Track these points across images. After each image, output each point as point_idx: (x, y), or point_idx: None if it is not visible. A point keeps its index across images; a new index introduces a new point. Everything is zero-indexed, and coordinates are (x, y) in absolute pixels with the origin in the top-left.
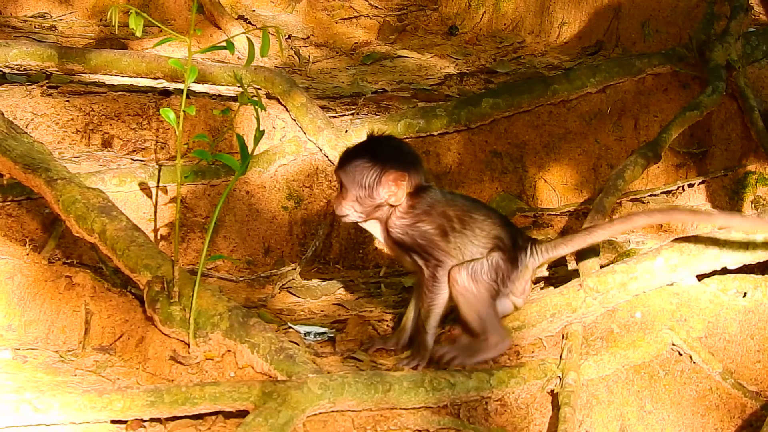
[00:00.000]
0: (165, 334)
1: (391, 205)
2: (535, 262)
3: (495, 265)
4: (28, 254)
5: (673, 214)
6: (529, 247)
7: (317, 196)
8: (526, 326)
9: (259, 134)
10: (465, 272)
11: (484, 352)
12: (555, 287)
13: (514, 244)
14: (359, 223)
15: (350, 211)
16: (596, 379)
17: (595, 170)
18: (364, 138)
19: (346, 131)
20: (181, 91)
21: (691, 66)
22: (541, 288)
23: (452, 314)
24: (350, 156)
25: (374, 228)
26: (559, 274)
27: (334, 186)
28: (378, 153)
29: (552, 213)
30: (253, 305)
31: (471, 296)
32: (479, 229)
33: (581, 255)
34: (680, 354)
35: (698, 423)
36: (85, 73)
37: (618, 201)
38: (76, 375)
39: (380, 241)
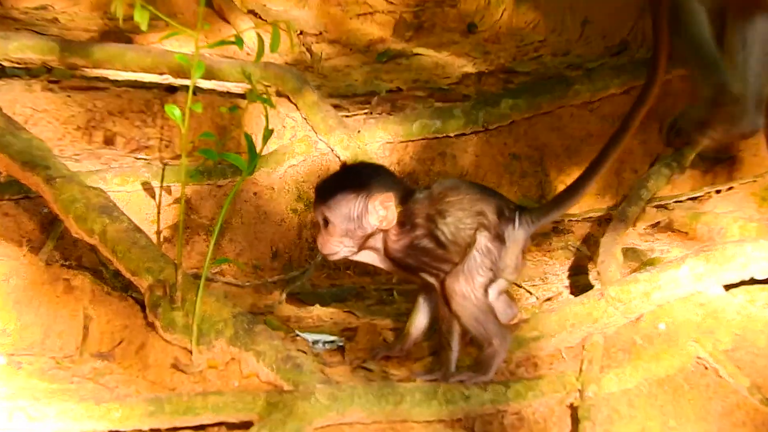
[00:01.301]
0: (166, 341)
1: (383, 230)
2: (526, 233)
3: (485, 251)
4: (24, 255)
5: None
6: (516, 218)
7: None
8: (545, 337)
9: (268, 133)
10: (461, 278)
11: (495, 357)
12: (575, 296)
13: (499, 217)
14: (350, 257)
15: (340, 248)
16: (618, 393)
17: (617, 175)
18: (372, 139)
19: (358, 131)
20: (188, 87)
21: None
22: (561, 297)
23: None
24: (330, 189)
25: (368, 257)
26: (579, 283)
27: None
28: (357, 180)
29: (573, 219)
30: (259, 312)
31: (470, 303)
32: (461, 211)
33: (603, 263)
34: (706, 367)
35: None
36: (88, 68)
37: (642, 208)
38: (73, 382)
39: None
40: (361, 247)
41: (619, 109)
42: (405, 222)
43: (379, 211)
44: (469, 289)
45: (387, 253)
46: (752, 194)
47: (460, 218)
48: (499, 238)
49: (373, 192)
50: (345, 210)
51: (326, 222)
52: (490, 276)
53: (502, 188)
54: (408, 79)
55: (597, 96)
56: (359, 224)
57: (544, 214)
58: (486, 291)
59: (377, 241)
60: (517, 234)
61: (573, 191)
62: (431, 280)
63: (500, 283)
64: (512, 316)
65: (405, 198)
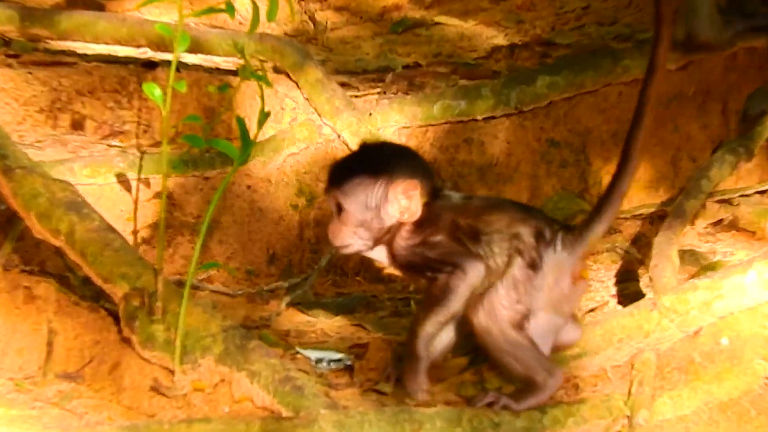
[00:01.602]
0: (145, 359)
1: (405, 224)
2: (571, 256)
3: (512, 282)
4: None
5: None
6: (559, 240)
7: None
8: (588, 354)
9: (264, 116)
10: (481, 311)
11: (535, 395)
12: (623, 306)
13: (537, 240)
14: (364, 253)
15: (353, 240)
16: (673, 419)
17: (674, 164)
18: (386, 122)
19: (370, 114)
20: (169, 62)
21: None
22: (606, 307)
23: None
24: (345, 171)
25: (380, 254)
26: (628, 290)
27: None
28: (378, 162)
29: (621, 216)
30: (253, 325)
31: (495, 339)
32: (497, 233)
33: (656, 268)
34: None
35: None
36: (53, 40)
37: (702, 204)
38: (35, 408)
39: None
40: (378, 242)
41: (675, 88)
42: (424, 221)
43: (401, 200)
44: (493, 325)
45: (393, 251)
46: None
47: (495, 240)
48: (533, 265)
49: (395, 177)
50: (362, 196)
51: (339, 209)
52: (520, 310)
53: (538, 180)
54: (428, 53)
55: None
56: (377, 214)
57: (588, 229)
58: (520, 326)
59: (391, 236)
60: (560, 258)
61: (610, 196)
62: (434, 276)
63: (547, 320)
64: (574, 339)
65: (432, 193)
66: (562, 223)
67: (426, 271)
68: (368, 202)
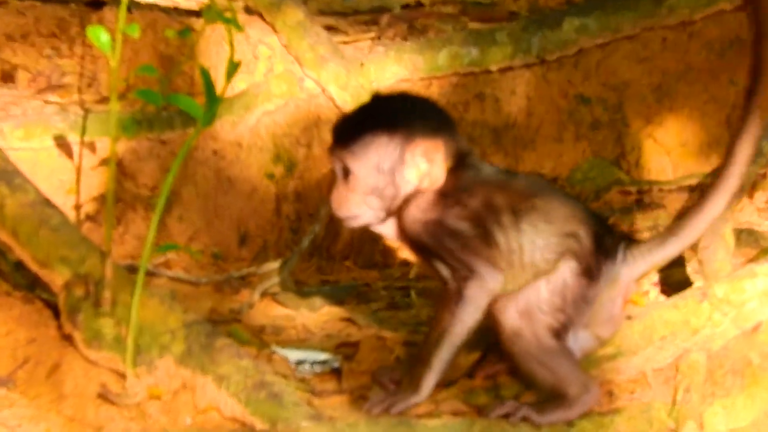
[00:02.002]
0: (90, 361)
1: (422, 191)
2: (631, 274)
3: (561, 286)
4: None
5: None
6: (620, 252)
7: (318, 159)
8: (624, 354)
9: (234, 67)
10: (513, 308)
11: (564, 409)
12: (666, 296)
13: (597, 246)
14: (374, 227)
15: (362, 210)
16: None
17: (729, 125)
18: (381, 74)
19: (362, 64)
20: (118, 1)
21: None
22: (647, 298)
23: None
24: (353, 127)
25: (390, 228)
26: (673, 278)
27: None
28: (394, 117)
29: (665, 188)
30: (221, 319)
31: (526, 343)
32: (544, 223)
33: (707, 251)
34: None
35: None
36: None
37: (762, 172)
38: None
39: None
40: (391, 214)
41: (731, 32)
42: (450, 193)
43: (421, 164)
44: (526, 327)
45: (401, 219)
46: None
47: (540, 231)
48: (589, 274)
49: (414, 136)
50: (373, 158)
51: (346, 173)
52: (561, 320)
53: (565, 145)
54: None
55: (700, 13)
56: (391, 180)
57: (659, 248)
58: (557, 334)
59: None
60: (619, 273)
61: (698, 211)
62: (445, 273)
63: (581, 338)
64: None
65: (459, 158)
66: (626, 234)
67: (435, 259)
68: (381, 164)
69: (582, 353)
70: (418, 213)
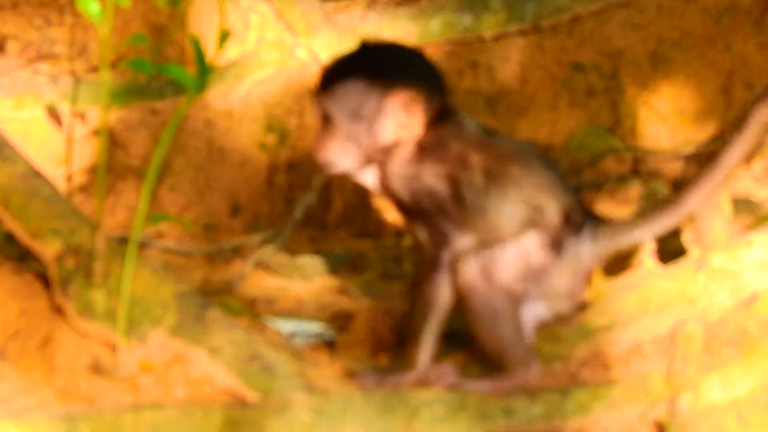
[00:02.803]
0: (82, 333)
1: (400, 144)
2: (596, 252)
3: (524, 254)
4: None
5: None
6: (589, 228)
7: (311, 129)
8: (619, 325)
9: (224, 35)
10: (474, 262)
11: (496, 380)
12: (662, 266)
13: (564, 221)
14: (354, 175)
15: (339, 157)
16: (723, 404)
17: (726, 92)
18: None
19: (354, 31)
20: None
21: None
22: (642, 268)
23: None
24: (336, 72)
25: (371, 178)
26: (668, 248)
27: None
28: (377, 65)
29: (661, 156)
30: (213, 290)
31: (482, 302)
32: (514, 190)
33: (703, 219)
34: None
35: None
36: None
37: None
38: None
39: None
40: (369, 162)
41: None
42: (427, 147)
43: (398, 114)
44: (482, 284)
45: (383, 176)
46: None
47: (509, 199)
48: (554, 248)
49: (395, 85)
50: (352, 104)
51: (326, 118)
52: (519, 287)
53: (560, 113)
54: None
55: None
56: (369, 128)
57: (629, 230)
58: (513, 301)
59: (386, 158)
60: (581, 250)
61: (678, 204)
62: (423, 235)
63: (538, 308)
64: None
65: (441, 114)
66: (595, 213)
67: (412, 215)
68: (359, 111)
69: (536, 324)
70: (397, 168)
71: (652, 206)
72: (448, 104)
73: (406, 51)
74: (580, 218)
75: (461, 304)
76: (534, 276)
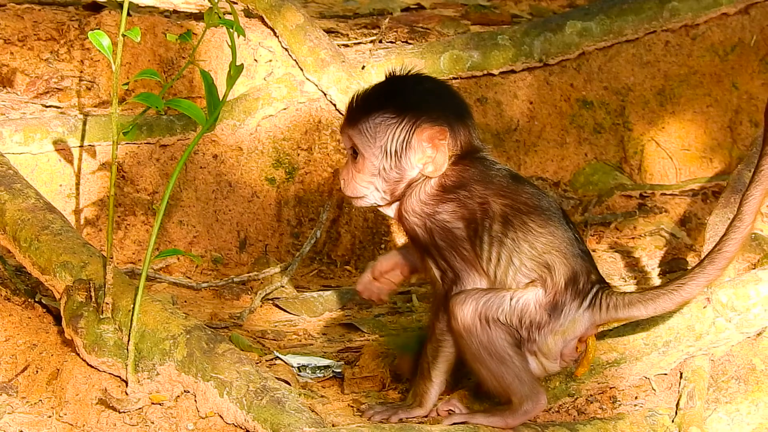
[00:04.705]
0: (92, 366)
1: (427, 177)
2: (593, 320)
3: (521, 307)
4: None
5: None
6: (591, 296)
7: (319, 164)
8: (627, 360)
9: (236, 71)
10: (471, 305)
11: (503, 416)
12: None
13: (569, 283)
14: (380, 208)
15: (368, 191)
16: None
17: (731, 129)
18: (382, 78)
19: (363, 67)
20: (118, 4)
21: None
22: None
23: None
24: (364, 106)
25: (394, 212)
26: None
27: (343, 149)
28: (404, 99)
29: (668, 192)
30: (222, 324)
31: (481, 344)
32: (528, 245)
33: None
34: None
35: None
36: None
37: None
38: None
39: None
40: (396, 197)
41: (734, 35)
42: (448, 185)
43: (427, 149)
44: (480, 329)
45: (400, 211)
46: None
47: (521, 251)
48: (553, 309)
49: (422, 120)
50: (381, 139)
51: (354, 152)
52: (517, 335)
53: (567, 149)
54: None
55: (703, 17)
56: (397, 163)
57: (628, 307)
58: (515, 340)
59: (407, 189)
60: (581, 316)
61: (688, 284)
62: (436, 273)
63: (533, 366)
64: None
65: (468, 151)
66: (603, 278)
67: (427, 255)
68: (388, 146)
69: None
70: (416, 204)
71: (653, 288)
72: (474, 141)
73: (433, 85)
74: (587, 285)
75: (460, 345)
76: (527, 331)
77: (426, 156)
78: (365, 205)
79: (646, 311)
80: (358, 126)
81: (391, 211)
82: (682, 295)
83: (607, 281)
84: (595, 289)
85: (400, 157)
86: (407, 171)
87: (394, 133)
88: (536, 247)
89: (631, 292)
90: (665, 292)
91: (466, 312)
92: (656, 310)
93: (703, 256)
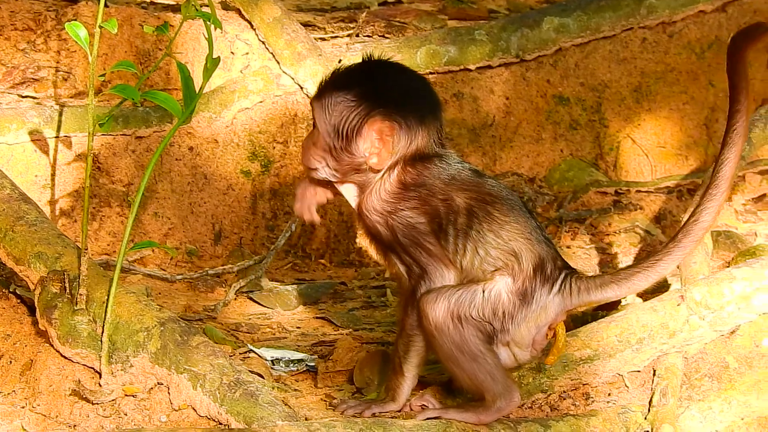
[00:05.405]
0: (65, 357)
1: (372, 170)
2: (564, 304)
3: (493, 298)
4: None
5: None
6: (560, 281)
7: (295, 157)
8: (600, 357)
9: (213, 64)
10: (443, 304)
11: (476, 412)
12: (643, 299)
13: (537, 269)
14: (334, 185)
15: (320, 165)
16: None
17: (707, 127)
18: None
19: (340, 61)
20: None
21: None
22: (624, 301)
23: None
24: (332, 83)
25: (351, 195)
26: None
27: None
28: (368, 87)
29: (643, 189)
30: (196, 317)
31: (454, 342)
32: (493, 234)
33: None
34: None
35: None
36: None
37: (741, 174)
38: None
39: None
40: (346, 176)
41: (711, 33)
42: (409, 183)
43: (374, 140)
44: (452, 327)
45: (360, 206)
46: None
47: (487, 242)
48: (524, 297)
49: (378, 111)
50: (336, 118)
51: (315, 125)
52: (488, 330)
53: (543, 145)
54: None
55: (680, 14)
56: (346, 145)
57: (600, 288)
58: (487, 336)
59: (365, 180)
60: (552, 302)
61: (652, 267)
62: (401, 269)
63: (501, 354)
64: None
65: (426, 154)
66: (569, 264)
67: (390, 252)
68: (341, 127)
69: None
70: (377, 202)
71: (626, 267)
72: (435, 141)
73: (405, 75)
74: (554, 271)
75: (432, 344)
76: (501, 321)
77: (373, 147)
78: (318, 177)
79: (620, 291)
80: (321, 100)
81: (345, 191)
82: (657, 271)
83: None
84: (563, 274)
85: (350, 140)
86: (356, 156)
87: (349, 116)
88: (501, 236)
89: (603, 274)
90: (640, 270)
91: (437, 312)
92: (631, 289)
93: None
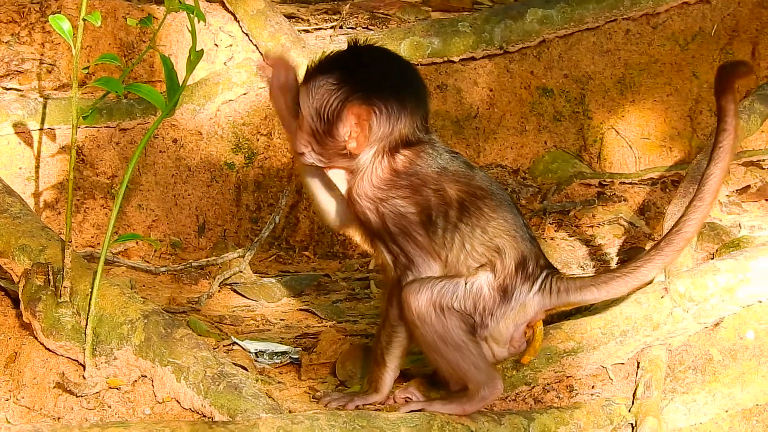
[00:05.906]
0: (49, 350)
1: (352, 154)
2: (543, 303)
3: (475, 291)
4: None
5: None
6: (540, 280)
7: (278, 149)
8: (584, 349)
9: (196, 56)
10: (425, 294)
11: (460, 403)
12: None
13: (519, 267)
14: (323, 169)
15: (308, 150)
16: (687, 429)
17: (691, 118)
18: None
19: (323, 52)
20: None
21: None
22: None
23: None
24: (317, 67)
25: (340, 180)
26: None
27: None
28: (352, 71)
29: (627, 181)
30: (180, 309)
31: (436, 332)
32: (481, 230)
33: None
34: None
35: None
36: None
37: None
38: None
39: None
40: (332, 161)
41: (695, 24)
42: (400, 171)
43: (352, 124)
44: (434, 318)
45: (350, 193)
46: None
47: (474, 237)
48: (504, 293)
49: (357, 96)
50: (317, 101)
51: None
52: (471, 321)
53: (527, 136)
54: None
55: (663, 6)
56: (328, 128)
57: (580, 290)
58: (470, 327)
59: (353, 166)
60: (531, 300)
61: (634, 272)
62: (388, 258)
63: (484, 350)
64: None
65: (411, 140)
66: (551, 264)
67: (377, 240)
68: (322, 111)
69: None
70: (368, 188)
71: (607, 271)
72: (421, 128)
73: (390, 62)
74: (536, 269)
75: (415, 334)
76: (481, 316)
77: (352, 131)
78: (307, 162)
79: (599, 294)
80: (305, 85)
81: (334, 177)
82: (638, 277)
83: (565, 269)
84: (544, 274)
85: (331, 124)
86: (338, 141)
87: (329, 99)
88: (488, 232)
89: (583, 276)
90: (620, 275)
91: (420, 301)
92: (610, 294)
93: (661, 237)
